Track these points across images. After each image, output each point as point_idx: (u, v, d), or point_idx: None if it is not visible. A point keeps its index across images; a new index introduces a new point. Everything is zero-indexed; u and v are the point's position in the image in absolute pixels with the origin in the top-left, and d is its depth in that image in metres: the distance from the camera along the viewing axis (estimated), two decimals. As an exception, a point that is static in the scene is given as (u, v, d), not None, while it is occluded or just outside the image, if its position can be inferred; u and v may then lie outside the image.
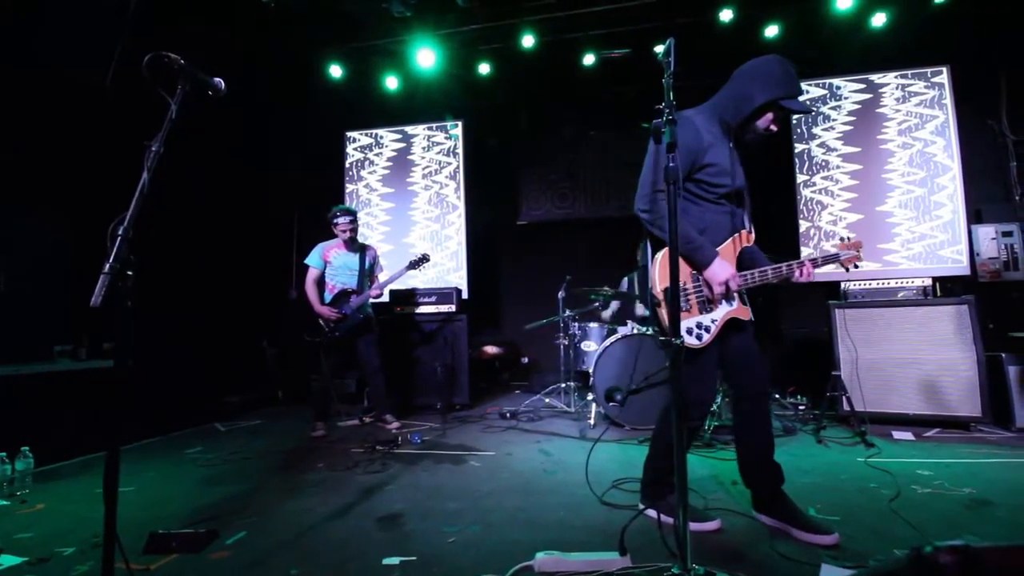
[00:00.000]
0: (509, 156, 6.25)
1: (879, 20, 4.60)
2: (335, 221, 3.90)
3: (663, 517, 1.80)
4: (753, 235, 2.06)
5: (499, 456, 3.17)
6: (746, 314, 1.99)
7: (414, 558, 1.82)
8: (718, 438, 3.27)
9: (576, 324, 4.54)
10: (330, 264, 3.96)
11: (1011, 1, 4.30)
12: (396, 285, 4.34)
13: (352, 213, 3.95)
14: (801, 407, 4.14)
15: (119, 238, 1.38)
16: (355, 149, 5.75)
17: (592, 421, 3.89)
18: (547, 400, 4.66)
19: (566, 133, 6.11)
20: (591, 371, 3.93)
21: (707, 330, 1.92)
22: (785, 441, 3.32)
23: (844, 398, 3.50)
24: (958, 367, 3.49)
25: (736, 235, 2.01)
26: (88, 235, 1.86)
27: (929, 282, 3.87)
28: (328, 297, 3.93)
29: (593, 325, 4.61)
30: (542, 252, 6.14)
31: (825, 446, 3.19)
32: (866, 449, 3.06)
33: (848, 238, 2.04)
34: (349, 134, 5.77)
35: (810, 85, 4.57)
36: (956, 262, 4.07)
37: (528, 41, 4.99)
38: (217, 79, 1.69)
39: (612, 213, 5.94)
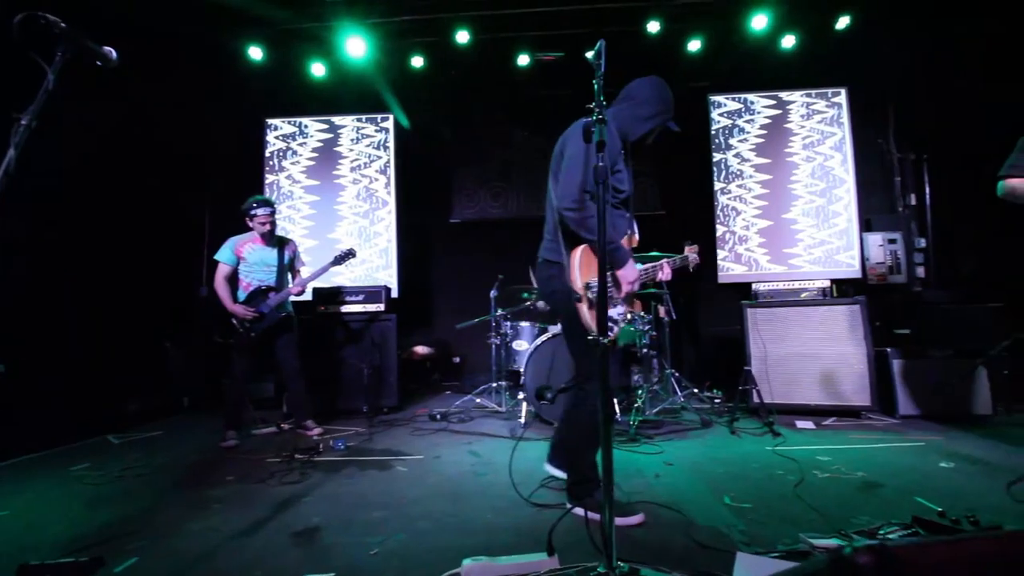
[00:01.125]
0: (443, 153, 6.13)
1: (789, 42, 4.99)
2: (252, 213, 3.62)
3: (590, 515, 1.82)
4: (636, 239, 2.24)
5: (427, 460, 3.08)
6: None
7: (332, 574, 1.70)
8: (643, 433, 3.39)
9: (508, 323, 4.53)
10: (244, 260, 3.67)
11: (900, 33, 4.81)
12: (320, 282, 4.11)
13: (271, 205, 3.68)
14: (717, 400, 4.40)
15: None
16: (276, 137, 5.40)
17: (523, 420, 3.89)
18: (478, 400, 4.61)
19: (500, 132, 6.09)
20: (522, 370, 3.93)
21: (616, 324, 2.05)
22: (702, 433, 3.50)
23: (755, 391, 3.76)
24: (851, 361, 3.85)
25: (625, 237, 2.16)
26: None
27: (828, 284, 4.24)
28: (242, 295, 3.64)
29: (525, 324, 4.62)
30: (475, 251, 6.08)
31: (738, 437, 3.39)
32: (773, 439, 3.28)
33: (689, 243, 2.54)
34: (270, 121, 5.40)
35: (727, 99, 4.86)
36: (849, 266, 4.50)
37: (463, 37, 4.92)
38: (107, 48, 1.50)
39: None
